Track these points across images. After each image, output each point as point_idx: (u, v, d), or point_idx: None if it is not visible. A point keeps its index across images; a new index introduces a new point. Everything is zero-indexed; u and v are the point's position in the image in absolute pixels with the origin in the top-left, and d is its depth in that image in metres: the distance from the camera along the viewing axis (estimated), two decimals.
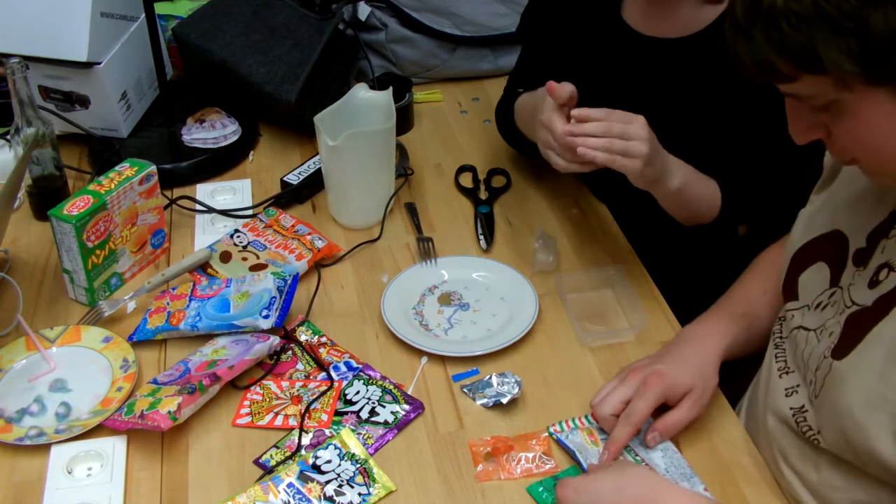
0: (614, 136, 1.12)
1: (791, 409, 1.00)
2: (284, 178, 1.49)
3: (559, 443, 1.06)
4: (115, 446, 1.06)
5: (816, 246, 1.02)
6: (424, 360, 1.18)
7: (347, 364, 1.18)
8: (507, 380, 1.12)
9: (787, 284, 1.05)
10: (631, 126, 1.13)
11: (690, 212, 1.28)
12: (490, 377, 1.13)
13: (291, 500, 0.99)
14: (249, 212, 1.46)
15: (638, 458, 1.04)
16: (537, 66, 1.48)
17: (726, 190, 1.27)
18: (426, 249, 1.36)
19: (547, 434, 1.07)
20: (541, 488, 1.00)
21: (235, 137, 1.61)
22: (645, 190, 1.19)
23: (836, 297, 0.96)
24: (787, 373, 1.03)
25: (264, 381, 1.15)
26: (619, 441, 1.03)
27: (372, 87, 1.45)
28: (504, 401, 1.10)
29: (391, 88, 1.42)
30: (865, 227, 0.96)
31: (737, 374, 1.18)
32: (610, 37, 1.35)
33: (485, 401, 1.11)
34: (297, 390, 1.14)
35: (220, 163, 1.57)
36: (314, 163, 1.52)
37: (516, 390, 1.11)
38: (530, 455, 1.04)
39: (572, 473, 1.02)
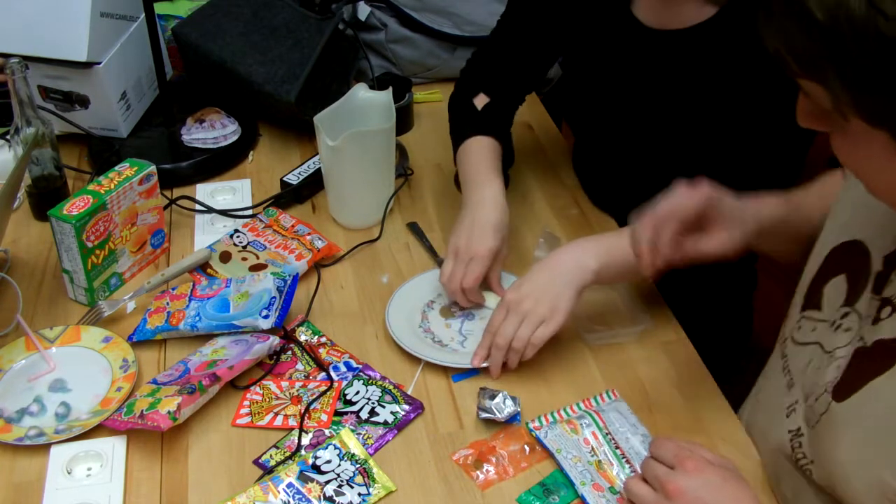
0: (513, 333, 1.12)
1: (789, 431, 0.96)
2: (284, 178, 1.49)
3: (538, 441, 1.05)
4: (114, 446, 1.06)
5: (843, 254, 0.95)
6: (424, 360, 1.18)
7: (347, 364, 1.18)
8: (508, 402, 1.08)
9: (812, 288, 0.98)
10: (520, 307, 1.13)
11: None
12: (498, 394, 1.09)
13: (291, 500, 0.99)
14: (249, 212, 1.45)
15: (618, 450, 1.04)
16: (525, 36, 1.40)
17: None
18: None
19: (520, 426, 1.07)
20: (531, 497, 1.00)
21: (235, 137, 1.61)
22: None
23: (851, 322, 0.91)
24: (790, 387, 0.99)
25: (264, 382, 1.15)
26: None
27: (372, 87, 1.45)
28: (498, 419, 1.07)
29: (391, 88, 1.42)
30: (884, 245, 0.88)
31: (739, 375, 1.18)
32: (620, 31, 1.32)
33: (485, 415, 1.08)
34: (297, 390, 1.13)
35: (219, 163, 1.57)
36: (314, 163, 1.52)
37: (512, 409, 1.08)
38: (515, 448, 1.05)
39: (558, 476, 1.02)
